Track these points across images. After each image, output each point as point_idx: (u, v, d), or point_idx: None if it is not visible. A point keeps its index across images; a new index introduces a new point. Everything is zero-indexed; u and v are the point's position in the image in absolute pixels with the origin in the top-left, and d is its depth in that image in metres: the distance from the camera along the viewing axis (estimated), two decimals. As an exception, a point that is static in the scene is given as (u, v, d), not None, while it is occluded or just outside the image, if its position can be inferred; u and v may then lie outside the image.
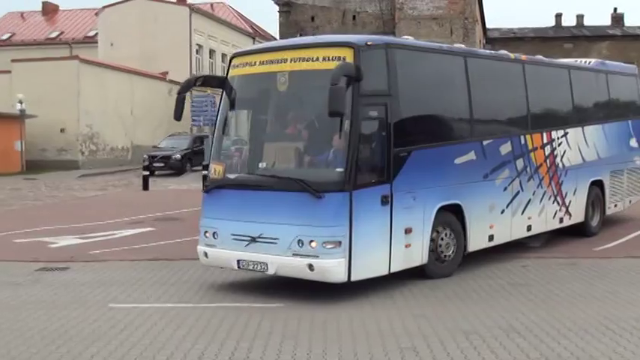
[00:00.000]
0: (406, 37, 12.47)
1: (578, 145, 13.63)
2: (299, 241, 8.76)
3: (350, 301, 8.88)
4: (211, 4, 48.15)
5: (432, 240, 10.16)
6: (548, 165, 12.73)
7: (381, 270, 9.45)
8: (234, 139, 10.84)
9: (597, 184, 14.18)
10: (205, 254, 9.65)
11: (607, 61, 17.31)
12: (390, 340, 7.07)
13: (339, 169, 8.98)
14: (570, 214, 13.23)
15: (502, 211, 11.52)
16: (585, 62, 16.82)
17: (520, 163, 11.98)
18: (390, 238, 9.54)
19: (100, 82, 38.92)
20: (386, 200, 9.46)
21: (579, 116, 13.87)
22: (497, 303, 8.73)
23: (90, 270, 11.39)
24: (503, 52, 13.52)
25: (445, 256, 10.49)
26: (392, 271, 9.54)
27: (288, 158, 9.72)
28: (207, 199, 9.80)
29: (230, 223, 9.32)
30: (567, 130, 13.28)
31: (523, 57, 13.13)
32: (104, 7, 44.27)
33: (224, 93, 9.95)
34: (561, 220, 13.04)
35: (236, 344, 6.97)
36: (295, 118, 9.68)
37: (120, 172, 35.88)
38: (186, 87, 10.45)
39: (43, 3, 52.56)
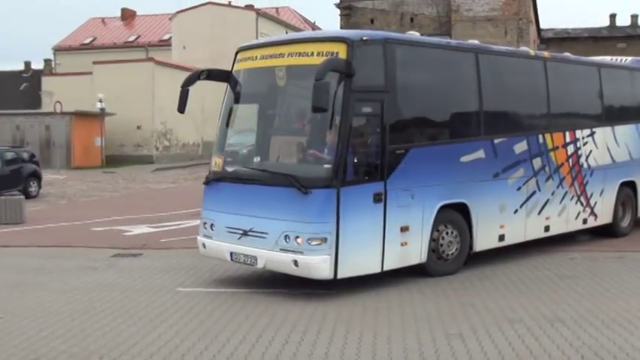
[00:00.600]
0: (412, 32, 11.53)
1: (607, 144, 12.67)
2: (286, 236, 8.43)
3: (401, 288, 8.96)
4: (276, 9, 48.46)
5: (433, 239, 9.65)
6: (571, 165, 11.85)
7: (372, 268, 8.96)
8: (234, 133, 10.43)
9: (629, 185, 13.17)
10: (203, 245, 9.48)
11: None
12: (437, 326, 7.12)
13: (326, 166, 8.55)
14: (596, 215, 12.31)
15: (515, 211, 10.78)
16: (621, 60, 15.80)
17: (537, 162, 11.20)
18: (383, 236, 9.04)
19: (173, 83, 39.52)
20: (379, 198, 8.94)
21: (609, 115, 12.82)
22: (543, 294, 8.52)
23: (160, 257, 11.75)
24: (524, 48, 12.93)
25: (447, 254, 9.91)
26: (385, 269, 9.05)
27: (281, 153, 9.35)
28: (206, 191, 9.60)
29: (225, 216, 9.11)
30: (594, 130, 12.30)
31: (545, 54, 12.35)
32: (178, 12, 45.12)
33: (228, 87, 9.63)
34: (585, 221, 12.15)
35: (292, 327, 7.15)
36: (290, 113, 9.42)
37: (190, 166, 36.62)
38: (190, 80, 9.86)
39: (122, 9, 53.71)
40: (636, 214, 13.43)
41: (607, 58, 16.17)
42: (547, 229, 11.32)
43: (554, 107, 11.59)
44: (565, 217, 11.68)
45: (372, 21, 34.97)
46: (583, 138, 12.02)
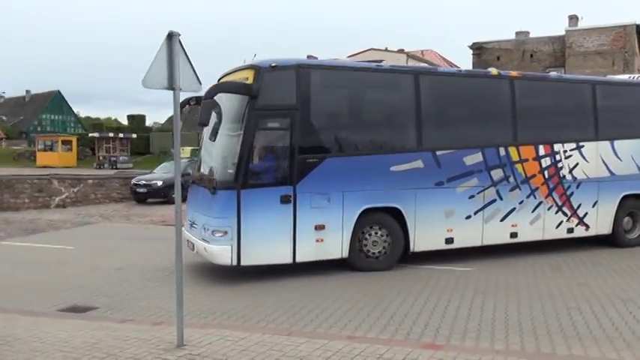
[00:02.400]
0: (336, 58, 10.65)
1: (602, 158, 10.87)
2: (204, 227, 8.58)
3: (527, 269, 9.16)
4: (422, 51, 47.70)
5: (359, 238, 9.11)
6: (547, 176, 10.39)
7: (283, 259, 8.62)
8: (201, 148, 10.74)
9: (637, 198, 11.28)
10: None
11: None
12: (558, 300, 7.35)
13: (229, 171, 8.49)
14: (587, 226, 10.76)
15: (468, 217, 9.71)
16: (633, 77, 13.47)
17: (497, 173, 9.93)
18: (293, 232, 8.62)
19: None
20: (287, 199, 8.53)
21: (605, 130, 10.93)
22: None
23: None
24: (489, 69, 11.01)
25: (372, 253, 9.22)
26: (299, 260, 8.69)
27: (211, 162, 9.22)
28: (188, 192, 9.73)
29: (189, 210, 9.43)
30: (582, 144, 10.68)
31: (513, 74, 10.93)
32: (348, 56, 45.47)
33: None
34: (571, 231, 10.64)
35: (439, 295, 7.60)
36: (220, 130, 8.87)
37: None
38: (182, 105, 8.94)
39: (307, 56, 54.94)
40: None
41: (618, 77, 14.30)
42: (514, 235, 10.13)
43: (522, 123, 10.28)
44: (540, 226, 10.34)
45: (498, 58, 33.72)
46: (565, 152, 10.55)
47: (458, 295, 7.40)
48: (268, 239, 8.45)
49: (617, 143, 10.99)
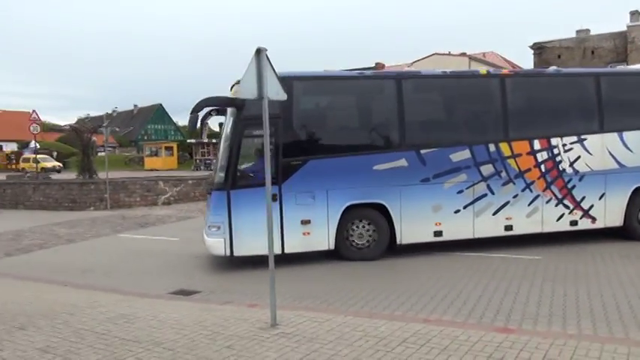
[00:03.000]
0: (327, 70, 10.46)
1: (608, 150, 9.91)
2: (205, 223, 9.29)
3: (595, 257, 8.67)
4: (483, 53, 46.13)
5: (345, 230, 9.18)
6: (544, 170, 9.73)
7: (266, 250, 8.47)
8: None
9: None
10: None
11: None
12: (629, 288, 6.92)
13: (221, 174, 8.89)
14: (593, 218, 9.91)
15: (457, 211, 9.42)
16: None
17: (487, 168, 9.50)
18: (280, 227, 8.84)
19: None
20: (273, 198, 8.34)
21: (611, 122, 9.94)
22: None
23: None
24: (476, 70, 10.42)
25: (358, 244, 9.26)
26: (287, 251, 8.92)
27: (214, 167, 9.74)
28: None
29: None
30: (584, 137, 9.83)
31: (504, 72, 10.27)
32: (413, 62, 44.88)
33: None
34: (574, 223, 9.86)
35: (509, 282, 7.41)
36: (221, 139, 9.40)
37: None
38: (196, 109, 9.25)
39: (376, 63, 54.42)
40: None
41: (621, 68, 13.17)
42: (509, 228, 9.64)
43: (514, 119, 9.74)
44: (538, 219, 9.73)
45: (559, 56, 32.03)
46: (564, 145, 9.80)
47: (527, 283, 7.14)
48: (257, 233, 8.19)
49: (628, 135, 9.99)
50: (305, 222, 9.02)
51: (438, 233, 9.44)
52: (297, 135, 9.25)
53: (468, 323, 5.50)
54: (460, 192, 9.42)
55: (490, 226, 9.58)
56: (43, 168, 34.65)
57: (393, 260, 9.02)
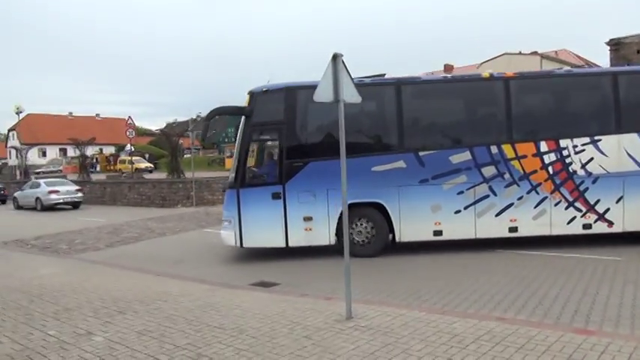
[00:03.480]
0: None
1: (627, 151, 9.07)
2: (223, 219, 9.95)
3: None
4: (555, 51, 43.74)
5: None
6: (552, 172, 9.23)
7: (277, 243, 9.44)
8: None
9: None
10: None
11: None
12: None
13: (232, 175, 9.60)
14: (610, 222, 9.18)
15: (457, 212, 9.28)
16: None
17: (490, 170, 9.25)
18: (284, 222, 9.33)
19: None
20: (277, 196, 9.32)
21: (628, 122, 9.12)
22: None
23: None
24: (479, 73, 9.93)
25: (357, 241, 9.46)
26: (291, 245, 9.41)
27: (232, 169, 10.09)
28: None
29: None
30: (599, 138, 9.14)
31: (508, 74, 9.67)
32: (482, 62, 43.35)
33: None
34: (588, 227, 9.23)
35: (587, 283, 6.98)
36: (235, 145, 9.94)
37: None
38: (210, 116, 10.01)
39: (444, 64, 53.01)
40: None
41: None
42: (514, 230, 9.31)
43: (518, 121, 9.38)
44: (546, 221, 9.27)
45: (637, 52, 29.74)
46: (575, 146, 9.21)
47: (607, 284, 6.67)
48: (264, 227, 9.35)
49: None
50: (307, 219, 9.38)
51: (437, 232, 9.37)
52: (299, 139, 9.65)
53: (544, 323, 5.22)
54: (460, 193, 9.29)
55: (493, 227, 9.33)
56: (137, 169, 36.60)
57: (465, 257, 8.76)
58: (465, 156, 9.31)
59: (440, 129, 9.75)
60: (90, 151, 38.75)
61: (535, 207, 9.24)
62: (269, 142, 10.07)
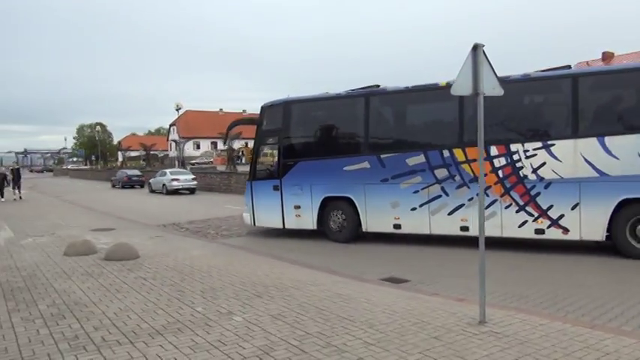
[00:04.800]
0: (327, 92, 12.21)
1: (583, 156, 8.63)
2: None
3: None
4: None
5: (323, 216, 11.40)
6: (502, 176, 9.35)
7: (277, 225, 11.95)
8: None
9: None
10: None
11: None
12: None
13: (249, 170, 12.96)
14: (566, 229, 8.87)
15: (413, 209, 10.22)
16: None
17: (442, 172, 9.86)
18: (281, 209, 11.75)
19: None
20: (276, 188, 11.75)
21: (586, 126, 8.76)
22: None
23: None
24: (437, 83, 9.93)
25: (332, 228, 11.36)
26: (287, 227, 11.85)
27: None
28: None
29: None
30: (552, 142, 8.91)
31: None
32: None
33: None
34: (540, 232, 9.11)
35: None
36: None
37: None
38: (231, 126, 15.06)
39: (603, 53, 47.34)
40: None
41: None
42: (465, 229, 9.74)
43: (470, 126, 9.32)
44: (497, 223, 9.41)
45: None
46: (526, 151, 9.13)
47: None
48: (268, 212, 12.04)
49: (611, 140, 8.46)
50: (297, 207, 11.69)
51: (397, 226, 10.53)
52: (291, 142, 11.99)
53: None
54: (416, 192, 10.18)
55: (446, 225, 9.95)
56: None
57: (617, 263, 7.86)
58: (419, 159, 10.11)
59: (399, 134, 11.02)
60: (237, 144, 41.91)
61: (485, 208, 8.37)
62: (273, 145, 12.41)
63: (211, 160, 56.26)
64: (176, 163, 49.29)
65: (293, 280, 7.13)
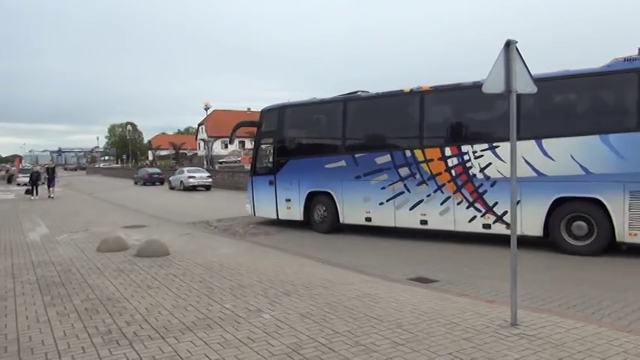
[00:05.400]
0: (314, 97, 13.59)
1: (523, 157, 9.10)
2: None
3: None
4: None
5: (309, 209, 12.80)
6: (454, 174, 10.23)
7: (272, 215, 13.54)
8: None
9: (588, 201, 8.83)
10: None
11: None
12: None
13: (250, 166, 15.03)
14: (508, 224, 9.01)
15: (381, 203, 11.36)
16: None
17: (404, 170, 10.91)
18: (275, 201, 13.31)
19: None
20: (271, 183, 13.33)
21: (526, 129, 8.98)
22: None
23: None
24: (402, 89, 11.14)
25: (315, 219, 12.72)
26: (280, 218, 13.39)
27: None
28: None
29: None
30: (497, 144, 9.62)
31: (424, 88, 10.83)
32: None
33: None
34: (487, 227, 9.94)
35: None
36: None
37: None
38: (237, 126, 15.14)
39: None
40: (608, 234, 8.74)
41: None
42: (424, 222, 10.80)
43: (429, 129, 10.84)
44: (450, 218, 10.38)
45: None
46: (474, 152, 9.95)
47: None
48: (265, 203, 13.72)
49: (548, 142, 9.16)
50: (287, 200, 13.23)
51: (368, 219, 11.75)
52: (284, 143, 13.51)
53: None
54: (383, 188, 11.29)
55: (408, 219, 11.01)
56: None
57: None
58: (386, 158, 11.19)
59: (369, 135, 12.10)
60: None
61: (441, 204, 10.50)
62: (270, 145, 13.75)
63: (239, 158, 56.80)
64: (204, 162, 49.92)
65: (321, 279, 7.13)
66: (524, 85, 5.13)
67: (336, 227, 12.39)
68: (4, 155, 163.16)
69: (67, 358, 4.30)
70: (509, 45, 4.98)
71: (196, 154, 70.33)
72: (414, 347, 4.41)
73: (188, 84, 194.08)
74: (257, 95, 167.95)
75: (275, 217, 13.51)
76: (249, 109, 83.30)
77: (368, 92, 12.45)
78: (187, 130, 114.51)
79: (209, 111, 48.69)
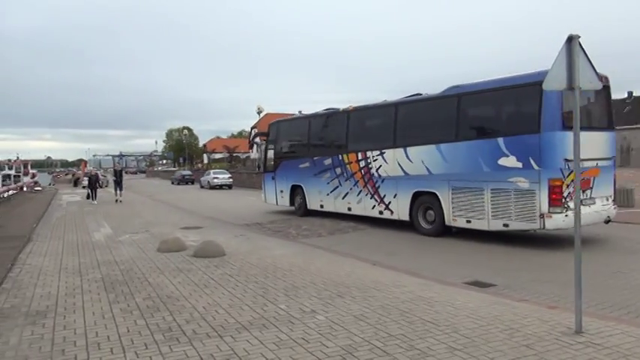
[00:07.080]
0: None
1: (397, 161, 12.88)
2: None
3: None
4: None
5: (293, 198, 17.47)
6: (363, 173, 14.02)
7: (274, 202, 18.37)
8: None
9: (430, 195, 11.97)
10: None
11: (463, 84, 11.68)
12: None
13: (262, 166, 20.09)
14: (392, 211, 13.18)
15: (327, 194, 15.56)
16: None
17: (338, 170, 14.99)
18: (275, 192, 18.25)
19: None
20: (273, 178, 18.31)
21: (401, 140, 12.83)
22: None
23: None
24: (338, 108, 15.98)
25: (295, 207, 17.38)
26: (278, 204, 18.24)
27: None
28: None
29: None
30: (384, 150, 13.29)
31: (350, 108, 15.16)
32: None
33: None
34: (381, 213, 13.56)
35: None
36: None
37: None
38: (253, 137, 25.60)
39: None
40: (442, 220, 11.68)
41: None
42: (350, 209, 14.70)
43: (351, 138, 14.73)
44: (363, 206, 14.11)
45: None
46: (373, 156, 13.64)
47: None
48: (270, 194, 18.62)
49: (410, 149, 12.44)
50: (281, 191, 17.93)
51: (321, 206, 15.97)
52: (280, 147, 18.24)
53: None
54: (328, 183, 15.44)
55: (342, 207, 14.98)
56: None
57: None
58: (329, 161, 15.45)
59: (321, 144, 16.32)
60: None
61: (357, 195, 14.27)
62: (272, 150, 18.48)
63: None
64: (257, 165, 50.77)
65: (375, 282, 7.08)
66: (587, 81, 4.88)
67: (307, 212, 16.65)
68: (70, 160, 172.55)
69: (130, 353, 4.46)
70: (571, 40, 4.77)
71: (249, 156, 71.63)
72: (471, 353, 4.29)
73: (242, 89, 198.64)
74: (310, 98, 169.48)
75: (275, 204, 18.36)
76: (300, 111, 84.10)
77: (421, 94, 13.42)
78: (240, 134, 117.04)
79: (261, 114, 49.57)
